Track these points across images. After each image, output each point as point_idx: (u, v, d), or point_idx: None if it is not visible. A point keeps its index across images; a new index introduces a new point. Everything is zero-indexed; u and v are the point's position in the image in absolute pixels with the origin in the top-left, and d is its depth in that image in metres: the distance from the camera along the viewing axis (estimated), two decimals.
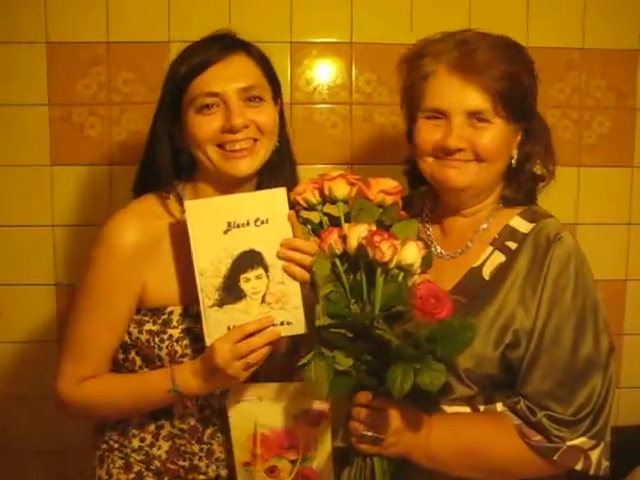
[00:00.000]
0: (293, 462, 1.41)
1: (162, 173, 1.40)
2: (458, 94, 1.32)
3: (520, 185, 1.40)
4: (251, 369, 1.29)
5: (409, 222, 1.30)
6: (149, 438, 1.45)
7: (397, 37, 2.01)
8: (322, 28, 2.06)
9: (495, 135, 1.33)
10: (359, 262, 1.21)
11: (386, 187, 1.29)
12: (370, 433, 1.26)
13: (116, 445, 1.47)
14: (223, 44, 1.38)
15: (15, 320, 2.07)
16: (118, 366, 1.43)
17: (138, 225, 1.36)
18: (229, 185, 1.40)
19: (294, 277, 1.29)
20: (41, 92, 2.00)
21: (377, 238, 1.16)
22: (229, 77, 1.36)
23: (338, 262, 1.23)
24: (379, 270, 1.18)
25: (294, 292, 1.30)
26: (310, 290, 1.28)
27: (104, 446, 1.48)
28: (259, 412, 1.39)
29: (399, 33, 2.02)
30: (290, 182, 1.43)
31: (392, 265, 1.17)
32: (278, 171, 1.45)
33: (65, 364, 1.39)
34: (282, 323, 1.30)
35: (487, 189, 1.40)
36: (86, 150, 2.03)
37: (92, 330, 1.37)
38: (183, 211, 1.34)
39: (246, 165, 1.36)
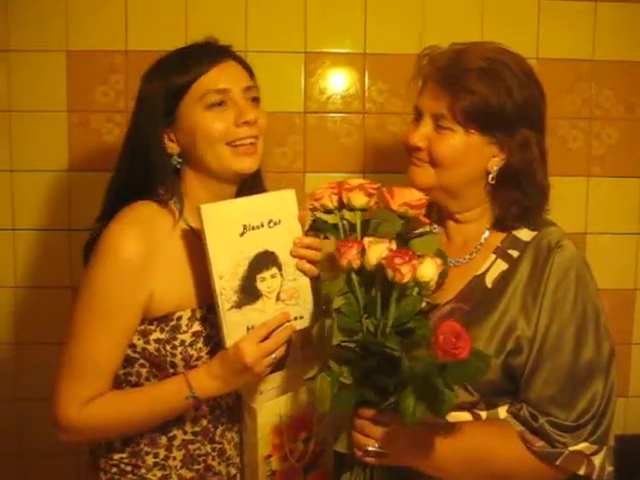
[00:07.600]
0: (305, 441, 1.46)
1: (160, 178, 1.38)
2: (430, 95, 1.35)
3: (507, 207, 1.37)
4: (272, 365, 1.33)
5: (429, 237, 1.31)
6: (162, 452, 1.42)
7: (409, 48, 2.03)
8: (336, 38, 2.08)
9: (453, 143, 1.33)
10: (375, 278, 1.21)
11: (410, 199, 1.28)
12: (374, 448, 1.28)
13: (128, 468, 1.42)
14: (216, 49, 1.42)
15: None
16: (119, 382, 1.38)
17: (139, 234, 1.31)
18: (222, 183, 1.41)
19: (305, 273, 1.34)
20: (60, 99, 2.04)
21: (398, 261, 1.14)
22: (233, 76, 1.39)
23: (354, 277, 1.23)
24: (396, 290, 1.18)
25: (305, 287, 1.35)
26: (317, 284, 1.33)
27: (114, 470, 1.42)
28: (282, 404, 1.43)
29: (411, 44, 2.03)
30: (260, 186, 1.47)
31: (409, 283, 1.18)
32: (251, 177, 1.45)
33: (66, 386, 1.31)
34: (295, 318, 1.35)
35: (461, 196, 1.39)
36: (103, 156, 2.04)
37: (96, 347, 1.30)
38: (181, 215, 1.38)
39: (251, 162, 1.38)
